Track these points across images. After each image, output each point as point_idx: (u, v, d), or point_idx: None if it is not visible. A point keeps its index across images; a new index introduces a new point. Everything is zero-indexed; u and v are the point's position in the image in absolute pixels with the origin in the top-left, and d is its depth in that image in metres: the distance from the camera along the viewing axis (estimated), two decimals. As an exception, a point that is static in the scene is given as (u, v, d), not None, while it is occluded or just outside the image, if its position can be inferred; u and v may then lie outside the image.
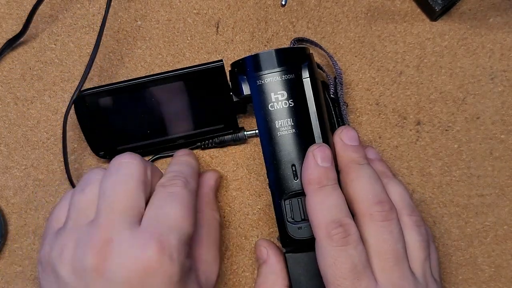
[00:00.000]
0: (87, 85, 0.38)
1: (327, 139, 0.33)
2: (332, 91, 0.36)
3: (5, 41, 0.40)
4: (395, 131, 0.39)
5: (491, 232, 0.38)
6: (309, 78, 0.33)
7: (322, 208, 0.30)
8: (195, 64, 0.36)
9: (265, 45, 0.40)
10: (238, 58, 0.34)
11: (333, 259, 0.29)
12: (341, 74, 0.37)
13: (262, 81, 0.33)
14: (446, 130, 0.38)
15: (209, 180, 0.37)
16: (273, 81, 0.32)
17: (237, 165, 0.39)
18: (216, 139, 0.38)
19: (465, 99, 0.39)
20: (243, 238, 0.38)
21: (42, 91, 0.40)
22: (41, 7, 0.40)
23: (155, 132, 0.37)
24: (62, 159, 0.38)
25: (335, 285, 0.29)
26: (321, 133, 0.32)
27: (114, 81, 0.38)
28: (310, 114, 0.33)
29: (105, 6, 0.38)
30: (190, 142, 0.38)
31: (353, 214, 0.31)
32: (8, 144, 0.40)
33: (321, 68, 0.37)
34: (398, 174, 0.38)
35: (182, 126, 0.37)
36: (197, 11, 0.40)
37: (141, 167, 0.30)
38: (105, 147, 0.37)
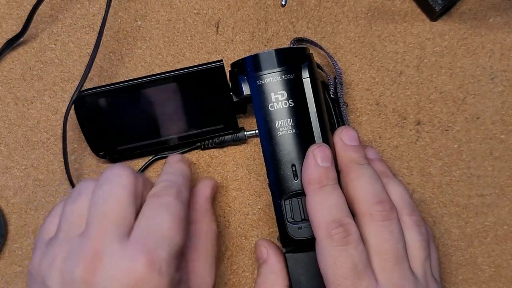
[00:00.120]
0: (87, 85, 0.38)
1: (327, 139, 0.33)
2: (332, 91, 0.36)
3: (5, 41, 0.40)
4: (395, 131, 0.39)
5: (491, 232, 0.38)
6: (309, 78, 0.33)
7: (322, 208, 0.30)
8: (195, 64, 0.36)
9: (265, 45, 0.40)
10: (238, 58, 0.34)
11: (333, 259, 0.29)
12: (341, 74, 0.37)
13: (262, 81, 0.33)
14: (446, 130, 0.38)
15: (205, 188, 0.36)
16: (273, 81, 0.32)
17: (237, 165, 0.39)
18: (216, 139, 0.38)
19: (465, 99, 0.39)
20: (243, 238, 0.38)
21: (42, 91, 0.40)
22: (41, 7, 0.40)
23: (155, 132, 0.37)
24: (62, 159, 0.38)
25: (336, 285, 0.29)
26: (321, 133, 0.32)
27: (114, 81, 0.38)
28: (310, 114, 0.33)
29: (105, 6, 0.38)
30: (190, 142, 0.38)
31: (353, 214, 0.31)
32: (8, 144, 0.40)
33: (321, 68, 0.37)
34: (398, 174, 0.38)
35: (182, 126, 0.37)
36: (197, 11, 0.40)
37: (132, 179, 0.30)
38: (105, 147, 0.37)
